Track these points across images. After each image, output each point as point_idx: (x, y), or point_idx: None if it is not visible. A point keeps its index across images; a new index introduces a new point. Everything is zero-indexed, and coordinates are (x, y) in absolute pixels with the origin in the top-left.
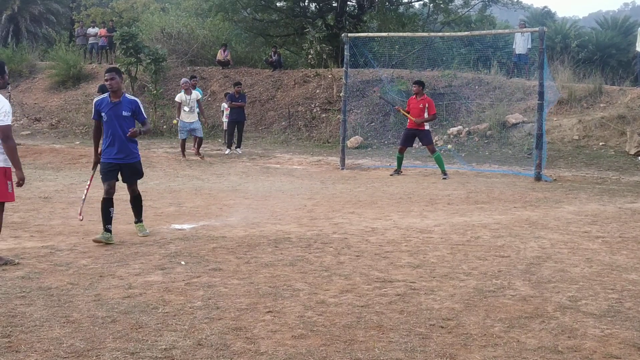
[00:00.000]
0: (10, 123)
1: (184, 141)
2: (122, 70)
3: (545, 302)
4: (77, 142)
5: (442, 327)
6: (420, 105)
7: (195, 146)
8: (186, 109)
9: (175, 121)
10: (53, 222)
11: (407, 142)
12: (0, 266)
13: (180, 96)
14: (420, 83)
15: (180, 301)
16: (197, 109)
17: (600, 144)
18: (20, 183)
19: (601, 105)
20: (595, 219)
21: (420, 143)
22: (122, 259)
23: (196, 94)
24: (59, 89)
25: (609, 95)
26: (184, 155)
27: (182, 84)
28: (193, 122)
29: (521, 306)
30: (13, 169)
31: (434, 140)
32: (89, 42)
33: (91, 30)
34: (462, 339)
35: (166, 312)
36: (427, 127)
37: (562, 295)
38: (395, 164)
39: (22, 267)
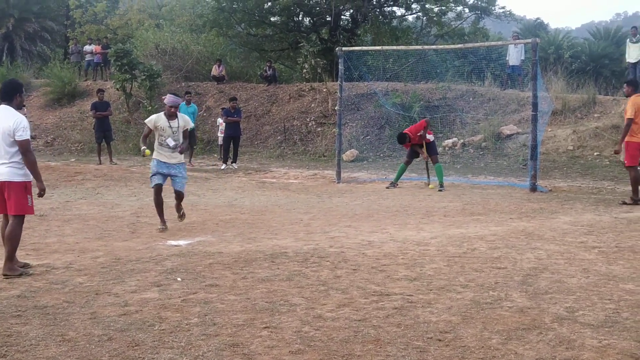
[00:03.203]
0: (29, 137)
1: (158, 189)
2: (117, 87)
3: (543, 313)
4: (73, 159)
5: (439, 340)
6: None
7: (175, 200)
8: (170, 143)
9: (147, 152)
10: (48, 240)
11: (413, 155)
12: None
13: (155, 119)
14: (402, 137)
15: (176, 318)
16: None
17: (595, 154)
18: (42, 193)
19: (595, 115)
20: (591, 229)
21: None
22: (118, 277)
23: (184, 120)
24: (54, 107)
25: (603, 105)
26: (162, 217)
27: (167, 103)
28: (175, 166)
29: (518, 318)
30: (33, 182)
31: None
32: (86, 59)
33: (87, 48)
34: (460, 351)
35: (163, 330)
36: (431, 138)
37: (559, 306)
38: (394, 176)
39: (18, 285)
